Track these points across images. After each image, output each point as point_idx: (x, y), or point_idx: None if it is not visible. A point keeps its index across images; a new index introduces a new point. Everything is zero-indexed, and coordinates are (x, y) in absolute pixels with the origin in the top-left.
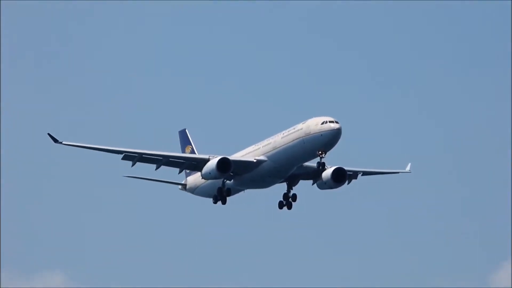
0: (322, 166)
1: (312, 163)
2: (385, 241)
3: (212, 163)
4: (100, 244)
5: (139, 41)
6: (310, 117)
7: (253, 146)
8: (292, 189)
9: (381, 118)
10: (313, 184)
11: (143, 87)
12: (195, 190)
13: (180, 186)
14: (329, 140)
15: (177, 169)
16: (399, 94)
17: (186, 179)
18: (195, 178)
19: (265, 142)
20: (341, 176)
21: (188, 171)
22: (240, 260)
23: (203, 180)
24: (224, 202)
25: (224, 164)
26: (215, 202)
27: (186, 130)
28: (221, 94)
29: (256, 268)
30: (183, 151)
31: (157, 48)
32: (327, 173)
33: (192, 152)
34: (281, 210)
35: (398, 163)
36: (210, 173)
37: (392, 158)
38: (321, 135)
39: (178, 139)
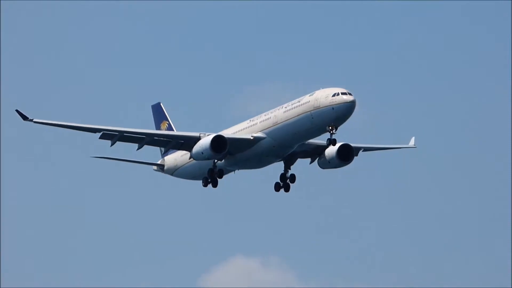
0: (333, 143)
1: (315, 140)
2: (393, 227)
3: (205, 141)
4: (74, 235)
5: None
6: (304, 91)
7: (247, 121)
8: (290, 169)
9: (380, 92)
10: (311, 163)
11: (111, 58)
12: (175, 172)
13: (155, 167)
14: (341, 114)
15: (149, 148)
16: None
17: (164, 159)
18: (175, 158)
19: (263, 117)
20: (347, 154)
21: (163, 149)
22: (236, 249)
23: (185, 159)
24: (215, 185)
25: (219, 143)
26: (205, 185)
27: (161, 104)
28: (199, 63)
29: (252, 257)
30: (158, 128)
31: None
32: (331, 150)
33: (170, 128)
34: (278, 192)
35: (400, 137)
36: (202, 153)
37: (392, 133)
38: (333, 108)
39: (151, 114)
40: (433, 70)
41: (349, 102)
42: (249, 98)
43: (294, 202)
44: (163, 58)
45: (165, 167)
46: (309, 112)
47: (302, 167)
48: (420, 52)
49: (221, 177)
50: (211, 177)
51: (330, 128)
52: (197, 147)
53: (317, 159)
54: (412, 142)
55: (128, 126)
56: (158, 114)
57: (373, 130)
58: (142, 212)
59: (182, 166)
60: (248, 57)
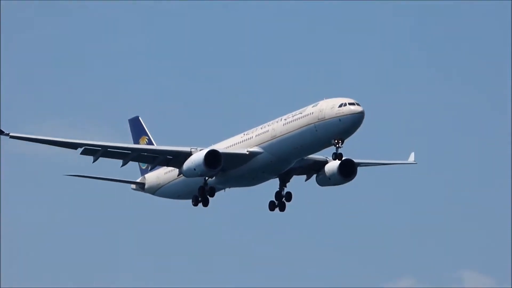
0: (339, 158)
1: (313, 155)
2: (398, 249)
3: (198, 157)
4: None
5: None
6: (293, 107)
7: (241, 135)
8: (285, 186)
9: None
10: (306, 179)
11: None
12: (157, 190)
13: (133, 186)
14: (349, 125)
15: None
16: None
17: (144, 177)
18: (157, 176)
19: (259, 130)
20: (349, 170)
21: (144, 166)
22: (228, 274)
23: (170, 177)
24: (206, 204)
25: (213, 158)
26: (195, 204)
27: (140, 118)
28: (179, 74)
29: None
30: (136, 143)
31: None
32: (331, 166)
33: (150, 144)
34: (272, 212)
35: (399, 153)
36: (195, 169)
37: (390, 148)
38: (340, 120)
39: (128, 129)
40: (430, 77)
41: (358, 113)
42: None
43: (290, 222)
44: (139, 70)
45: (146, 186)
46: (312, 124)
47: (298, 184)
48: (418, 60)
49: (212, 195)
50: (202, 196)
51: (336, 141)
52: (188, 163)
53: (315, 175)
54: (412, 158)
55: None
56: (137, 129)
57: (367, 144)
58: (126, 236)
59: (165, 184)
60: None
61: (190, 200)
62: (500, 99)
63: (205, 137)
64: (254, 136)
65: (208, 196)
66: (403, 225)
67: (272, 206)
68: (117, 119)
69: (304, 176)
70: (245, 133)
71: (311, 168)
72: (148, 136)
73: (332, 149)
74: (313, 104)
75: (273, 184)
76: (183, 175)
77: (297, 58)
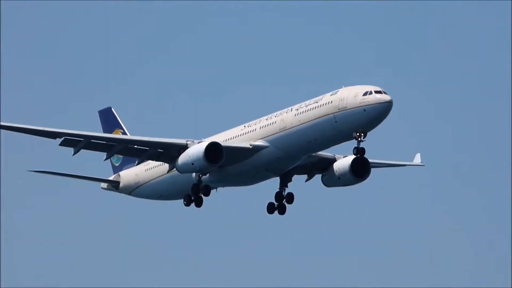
0: (361, 153)
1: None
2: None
3: (197, 150)
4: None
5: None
6: (289, 101)
7: (241, 127)
8: (287, 186)
9: None
10: (307, 180)
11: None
12: (135, 189)
13: (104, 185)
14: (376, 116)
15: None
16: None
17: (119, 174)
18: (136, 173)
19: (264, 121)
20: (363, 169)
21: (117, 163)
22: (217, 281)
23: (152, 174)
24: (199, 204)
25: (213, 151)
26: (187, 204)
27: (112, 109)
28: (155, 62)
29: None
30: None
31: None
32: (342, 164)
33: None
34: (271, 215)
35: (403, 154)
36: (193, 163)
37: (392, 149)
38: (364, 110)
39: (99, 121)
40: (431, 76)
41: (386, 102)
42: None
43: (290, 226)
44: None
45: (121, 185)
46: (332, 115)
47: (300, 184)
48: (421, 58)
49: (207, 194)
50: (196, 195)
51: (358, 134)
52: (185, 157)
53: (318, 175)
54: (418, 159)
55: None
56: (109, 121)
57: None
58: (116, 241)
59: (146, 182)
60: None
61: (171, 202)
62: (502, 99)
63: (190, 131)
64: (258, 128)
65: (202, 196)
66: (409, 228)
67: (271, 209)
68: (84, 110)
69: (305, 176)
70: (246, 124)
71: (316, 166)
72: (123, 129)
73: (337, 148)
74: (332, 92)
75: (272, 183)
76: (178, 171)
77: (295, 57)
